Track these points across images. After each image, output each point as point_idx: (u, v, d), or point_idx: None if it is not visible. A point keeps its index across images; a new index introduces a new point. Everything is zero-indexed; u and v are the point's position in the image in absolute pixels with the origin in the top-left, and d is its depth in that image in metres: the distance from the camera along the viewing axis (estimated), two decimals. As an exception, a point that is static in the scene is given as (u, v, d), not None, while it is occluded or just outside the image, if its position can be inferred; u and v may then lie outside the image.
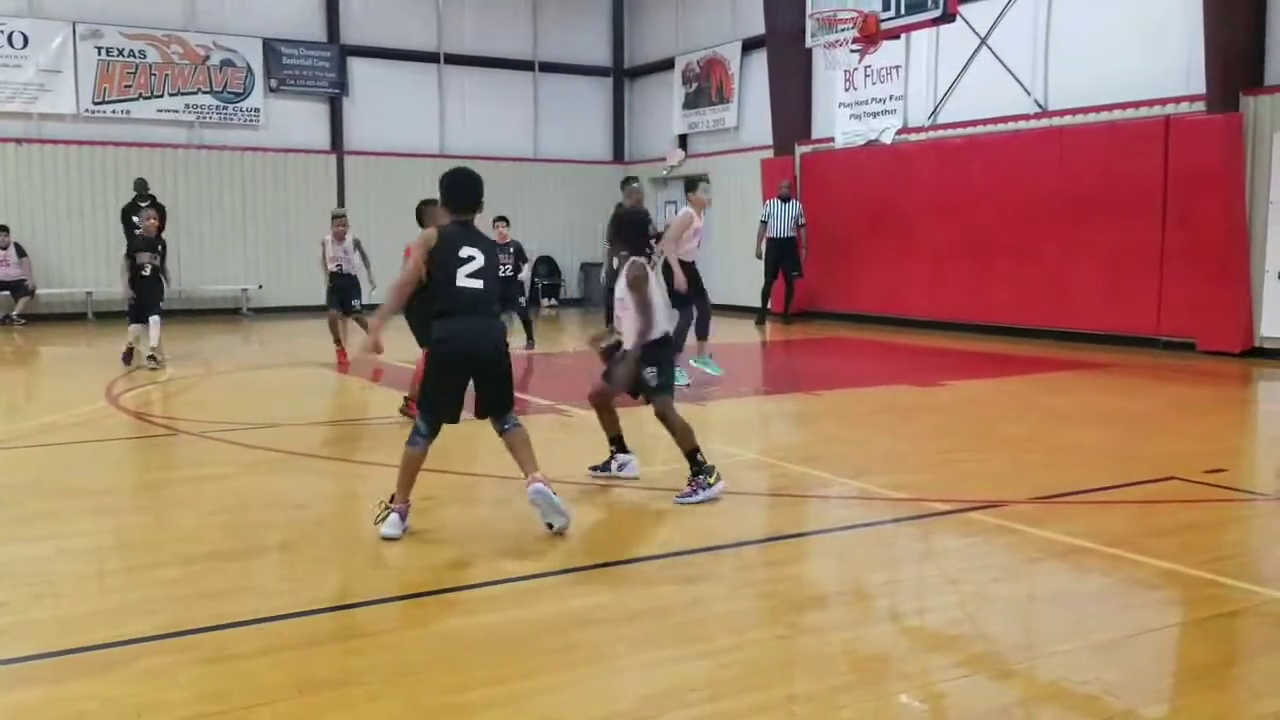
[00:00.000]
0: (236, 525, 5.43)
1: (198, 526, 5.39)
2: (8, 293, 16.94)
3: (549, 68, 22.02)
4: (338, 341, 12.03)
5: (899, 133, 16.21)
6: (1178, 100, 12.62)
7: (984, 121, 14.89)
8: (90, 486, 6.29)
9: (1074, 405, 9.41)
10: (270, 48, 19.32)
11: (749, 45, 19.30)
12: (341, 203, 19.96)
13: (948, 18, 12.22)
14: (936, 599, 4.36)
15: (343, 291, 12.13)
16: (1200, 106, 12.30)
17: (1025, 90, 14.42)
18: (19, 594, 4.30)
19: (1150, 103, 12.86)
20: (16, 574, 4.55)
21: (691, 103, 20.99)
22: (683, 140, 21.43)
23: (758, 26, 18.43)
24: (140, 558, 4.89)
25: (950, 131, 15.41)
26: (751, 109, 19.50)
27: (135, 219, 16.42)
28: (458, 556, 4.86)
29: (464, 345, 5.17)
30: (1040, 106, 14.27)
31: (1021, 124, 14.38)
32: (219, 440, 7.63)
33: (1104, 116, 13.33)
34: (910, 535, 5.36)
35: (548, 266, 22.01)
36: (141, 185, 16.95)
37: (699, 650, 3.70)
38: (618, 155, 23.14)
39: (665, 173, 21.67)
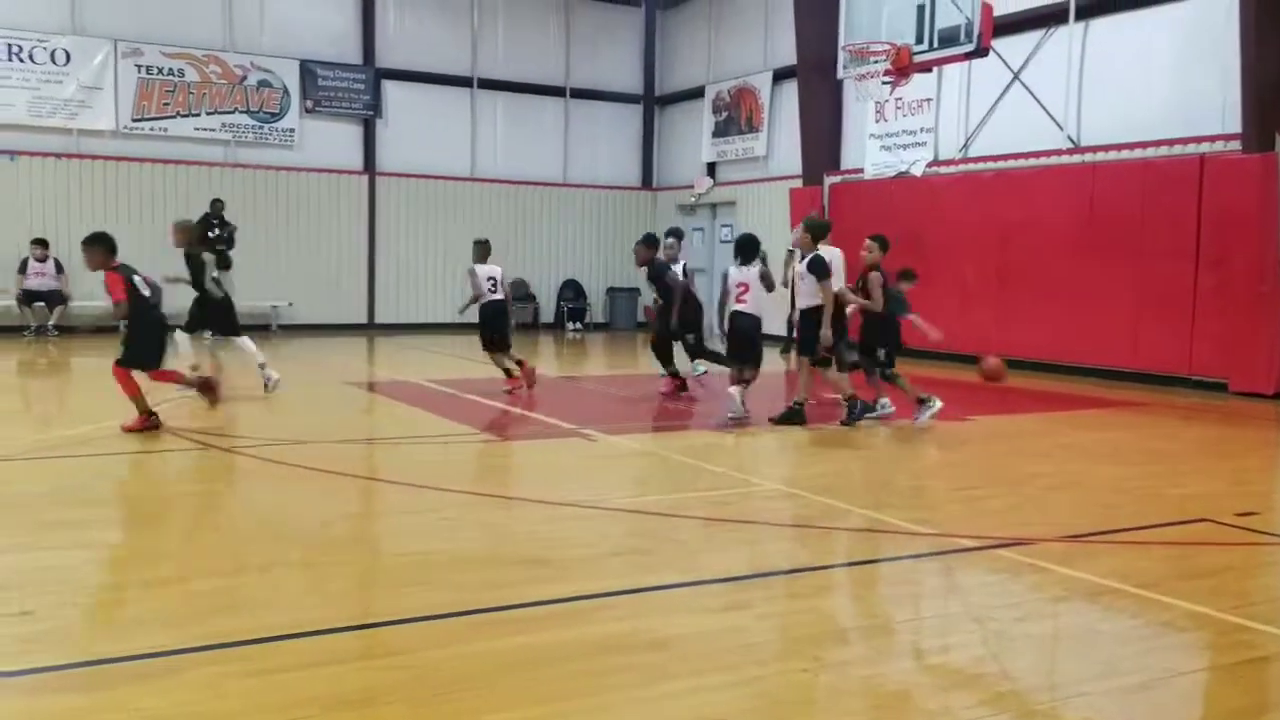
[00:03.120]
0: (263, 540, 5.45)
1: (224, 540, 5.42)
2: (43, 303, 17.16)
3: (580, 94, 22.20)
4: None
5: (929, 165, 16.21)
6: (1212, 139, 12.56)
7: (1016, 156, 14.87)
8: (118, 498, 6.35)
9: (1103, 443, 9.33)
10: (307, 69, 19.57)
11: (780, 75, 19.40)
12: (372, 224, 20.18)
13: (981, 52, 12.22)
14: (961, 636, 4.32)
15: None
16: (1236, 146, 12.24)
17: (1058, 125, 14.39)
18: (46, 602, 4.32)
19: (1184, 141, 12.82)
20: (44, 582, 4.58)
21: (721, 131, 21.08)
22: (711, 168, 21.51)
23: (789, 57, 18.51)
24: (167, 570, 4.90)
25: (981, 165, 15.40)
26: (781, 138, 19.57)
27: (209, 236, 16.88)
28: (483, 578, 4.85)
29: None
30: (1073, 142, 14.24)
31: (1053, 159, 14.35)
32: (248, 455, 7.68)
33: (1137, 154, 13.29)
34: (936, 571, 5.31)
35: (574, 290, 22.10)
36: (217, 206, 17.35)
37: (722, 681, 3.68)
38: (646, 182, 23.24)
39: (693, 200, 21.76)
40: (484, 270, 11.67)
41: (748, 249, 9.89)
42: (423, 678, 3.66)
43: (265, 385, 10.74)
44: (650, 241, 11.83)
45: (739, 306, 9.67)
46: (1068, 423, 10.44)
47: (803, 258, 9.54)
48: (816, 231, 9.76)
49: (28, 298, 17.07)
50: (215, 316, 11.26)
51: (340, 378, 12.64)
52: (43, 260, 17.21)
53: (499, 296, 11.65)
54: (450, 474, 7.56)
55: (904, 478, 7.82)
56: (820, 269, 9.29)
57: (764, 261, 10.13)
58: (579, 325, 21.76)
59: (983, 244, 15.01)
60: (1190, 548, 5.70)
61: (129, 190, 18.22)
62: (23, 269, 17.13)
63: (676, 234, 12.96)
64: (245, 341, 11.11)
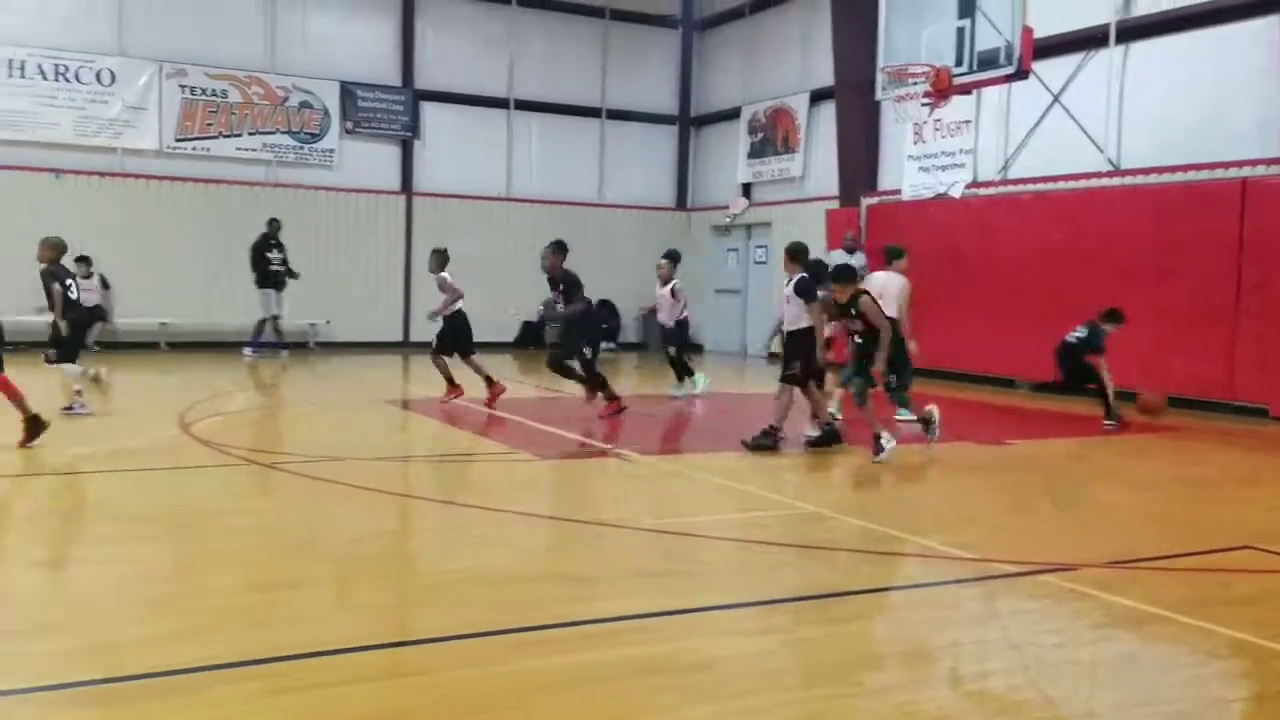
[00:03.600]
0: (297, 556, 5.49)
1: (257, 556, 5.45)
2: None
3: (616, 115, 22.31)
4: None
5: (968, 187, 16.14)
6: (1254, 163, 12.42)
7: (1055, 178, 14.77)
8: (155, 512, 6.39)
9: (1143, 468, 9.22)
10: (347, 91, 19.81)
11: (817, 96, 19.40)
12: (409, 243, 20.34)
13: (1021, 75, 12.16)
14: (1002, 662, 4.28)
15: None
16: (1278, 170, 12.10)
17: (1098, 148, 14.29)
18: (75, 617, 4.35)
19: (1226, 164, 12.68)
20: (75, 597, 4.62)
21: (757, 152, 21.09)
22: (746, 189, 21.53)
23: (826, 78, 18.52)
24: (200, 585, 4.93)
25: (1021, 187, 15.30)
26: (817, 159, 19.56)
27: (268, 255, 17.06)
28: (516, 597, 4.85)
29: None
30: (1113, 165, 14.13)
31: (1093, 182, 14.24)
32: (286, 471, 7.74)
33: (1178, 177, 13.16)
34: (977, 596, 5.26)
35: (607, 310, 22.13)
36: (274, 226, 17.49)
37: (759, 704, 3.65)
38: (681, 202, 23.29)
39: (728, 221, 21.78)
40: (450, 277, 11.79)
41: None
42: (453, 697, 3.66)
43: (69, 408, 10.00)
44: (560, 248, 11.48)
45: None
46: (1107, 447, 10.33)
47: (789, 280, 9.45)
48: (797, 254, 9.58)
49: (71, 314, 17.32)
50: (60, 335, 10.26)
51: (377, 395, 12.73)
52: (87, 278, 17.44)
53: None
54: (485, 492, 7.59)
55: (941, 501, 7.76)
56: (808, 292, 9.22)
57: (826, 285, 9.93)
58: (613, 345, 21.78)
59: (1021, 266, 14.90)
60: (1232, 575, 5.62)
61: (171, 209, 18.47)
62: (68, 286, 17.37)
63: (672, 257, 13.08)
64: (71, 367, 10.28)
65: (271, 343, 17.22)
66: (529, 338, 21.25)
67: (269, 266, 17.16)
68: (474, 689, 3.73)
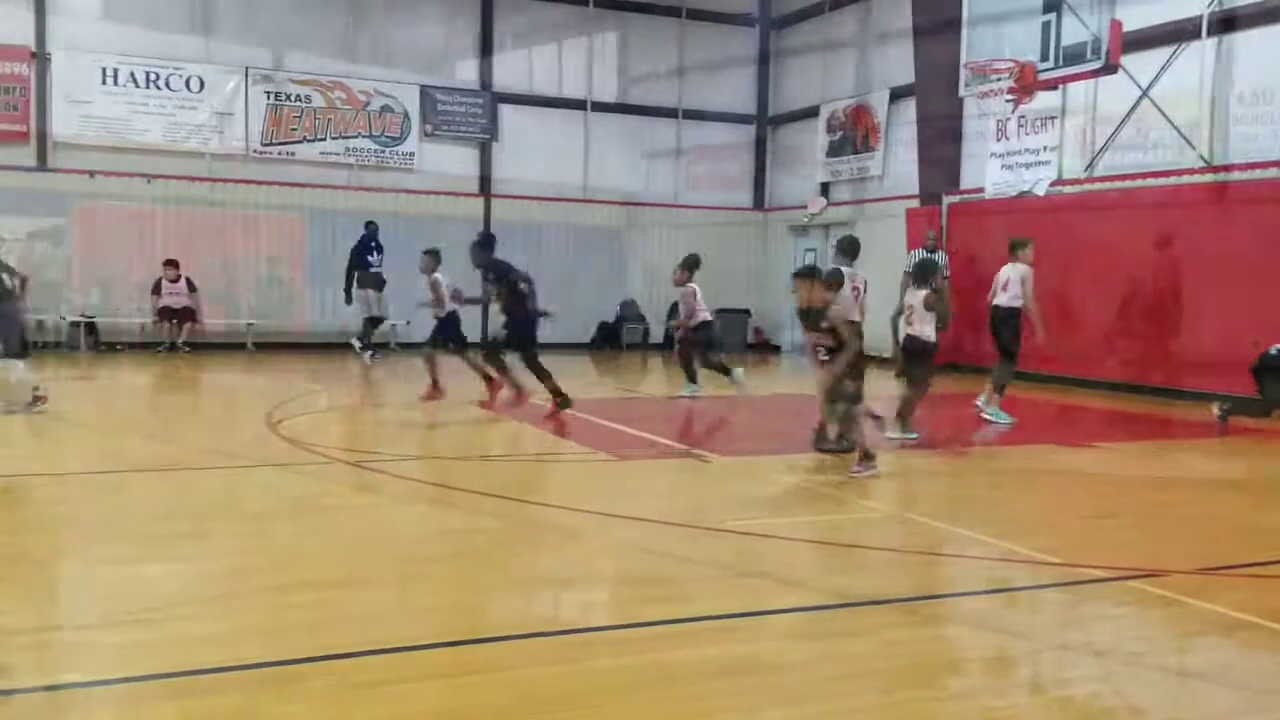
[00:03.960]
0: (371, 553, 5.56)
1: (334, 552, 5.53)
2: (175, 321, 17.90)
3: (692, 115, 22.28)
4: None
5: (1053, 184, 15.80)
6: (1355, 156, 11.98)
7: (1144, 175, 14.39)
8: (244, 510, 6.54)
9: (1234, 472, 8.94)
10: (426, 94, 20.09)
11: (897, 93, 19.16)
12: (487, 244, 20.53)
13: (1110, 69, 11.88)
14: (1089, 669, 4.17)
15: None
16: (1381, 163, 11.66)
17: (1189, 144, 13.88)
18: (162, 613, 4.44)
19: (1325, 159, 12.26)
20: (162, 592, 4.70)
21: (835, 150, 20.90)
22: (824, 188, 21.35)
23: (906, 75, 18.29)
24: (282, 581, 5.00)
25: (1108, 184, 14.94)
26: (897, 157, 19.32)
27: (370, 259, 17.38)
28: (597, 597, 4.87)
29: None
30: (1205, 161, 13.72)
31: (1184, 179, 13.84)
32: (370, 470, 7.87)
33: (1272, 173, 12.74)
34: (1061, 602, 5.14)
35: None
36: (372, 228, 17.72)
37: (840, 707, 3.62)
38: (758, 203, 23.18)
39: (806, 221, 21.61)
40: (444, 279, 11.82)
41: (920, 272, 9.98)
42: (529, 695, 3.67)
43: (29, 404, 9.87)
44: (482, 244, 11.24)
45: (906, 329, 9.75)
46: (1196, 451, 10.04)
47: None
48: (842, 248, 10.04)
49: (163, 315, 17.84)
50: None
51: (456, 396, 12.86)
52: (175, 280, 17.94)
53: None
54: (561, 492, 7.62)
55: (1025, 504, 7.60)
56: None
57: (932, 285, 9.67)
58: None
59: (1109, 265, 14.55)
60: (1334, 584, 5.42)
61: (258, 212, 18.88)
62: (156, 289, 17.89)
63: (687, 263, 12.92)
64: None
65: (366, 343, 17.35)
66: (605, 338, 21.33)
67: (370, 269, 17.48)
68: (550, 688, 3.74)
